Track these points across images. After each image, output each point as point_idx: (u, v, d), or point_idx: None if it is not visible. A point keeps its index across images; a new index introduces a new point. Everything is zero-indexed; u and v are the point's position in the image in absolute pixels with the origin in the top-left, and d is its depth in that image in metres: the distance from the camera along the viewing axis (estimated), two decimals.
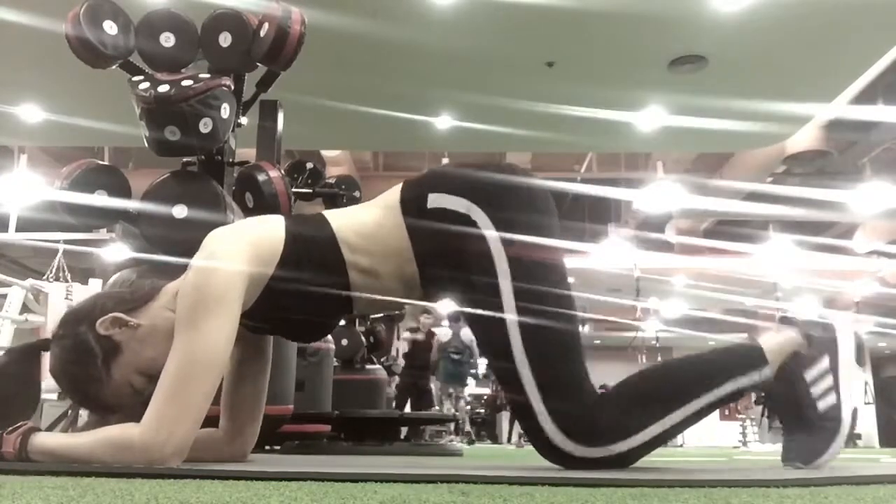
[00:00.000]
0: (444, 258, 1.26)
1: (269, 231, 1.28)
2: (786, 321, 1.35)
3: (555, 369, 1.19)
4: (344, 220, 1.30)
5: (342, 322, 3.16)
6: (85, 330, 1.23)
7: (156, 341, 1.24)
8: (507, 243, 1.21)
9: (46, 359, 1.30)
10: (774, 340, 1.31)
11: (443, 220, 1.23)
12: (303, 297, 1.27)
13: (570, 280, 1.28)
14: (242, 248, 1.23)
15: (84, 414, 1.32)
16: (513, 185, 1.27)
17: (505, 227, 1.22)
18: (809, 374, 1.28)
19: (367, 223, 1.29)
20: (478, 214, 1.23)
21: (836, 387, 1.28)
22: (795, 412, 1.29)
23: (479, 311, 1.22)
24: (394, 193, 1.31)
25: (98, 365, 1.22)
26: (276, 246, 1.25)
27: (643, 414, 1.20)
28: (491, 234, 1.21)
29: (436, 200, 1.24)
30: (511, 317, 1.19)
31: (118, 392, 1.24)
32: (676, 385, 1.25)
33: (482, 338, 1.26)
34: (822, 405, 1.27)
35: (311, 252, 1.27)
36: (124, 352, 1.23)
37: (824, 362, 1.29)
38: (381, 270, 1.28)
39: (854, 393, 1.28)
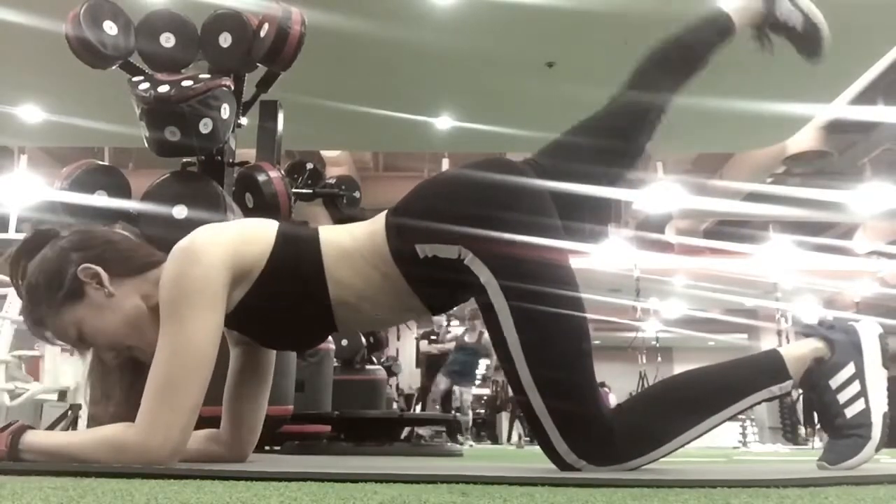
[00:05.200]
0: (447, 291, 1.28)
1: (260, 231, 1.26)
2: (807, 331, 1.32)
3: (566, 395, 1.17)
4: (338, 261, 1.24)
5: None
6: (73, 260, 1.23)
7: (109, 317, 1.23)
8: (501, 279, 1.18)
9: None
10: (796, 350, 1.29)
11: (438, 267, 1.21)
12: (282, 315, 1.26)
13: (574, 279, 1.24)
14: (228, 240, 1.21)
15: (83, 415, 1.31)
16: (502, 217, 1.20)
17: (499, 265, 1.19)
18: (835, 382, 1.26)
19: (364, 270, 1.24)
20: (471, 260, 1.19)
21: (863, 392, 1.25)
22: (825, 420, 1.28)
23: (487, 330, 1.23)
24: (380, 238, 1.24)
25: (57, 296, 1.22)
26: (265, 247, 1.23)
27: (659, 433, 1.19)
28: (486, 277, 1.19)
29: (425, 251, 1.21)
30: (516, 351, 1.17)
31: (60, 331, 1.24)
32: (695, 403, 1.23)
33: (495, 350, 1.25)
34: (849, 412, 1.25)
35: (295, 281, 1.24)
36: (83, 303, 1.22)
37: (850, 368, 1.26)
38: (372, 307, 1.27)
39: (884, 397, 1.26)
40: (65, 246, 1.26)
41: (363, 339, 4.59)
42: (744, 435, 12.84)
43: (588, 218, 1.38)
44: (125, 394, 1.29)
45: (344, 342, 4.37)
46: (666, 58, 1.49)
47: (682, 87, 1.47)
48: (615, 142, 1.42)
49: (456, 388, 8.04)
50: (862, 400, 1.25)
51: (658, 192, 10.13)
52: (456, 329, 8.57)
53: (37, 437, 1.15)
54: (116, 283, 1.24)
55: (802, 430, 9.76)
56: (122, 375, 1.30)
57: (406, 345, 11.40)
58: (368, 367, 4.63)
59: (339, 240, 1.27)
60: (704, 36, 1.50)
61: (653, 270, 10.84)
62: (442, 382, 8.03)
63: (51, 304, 1.23)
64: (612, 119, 1.44)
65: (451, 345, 8.42)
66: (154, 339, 1.17)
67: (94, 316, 1.23)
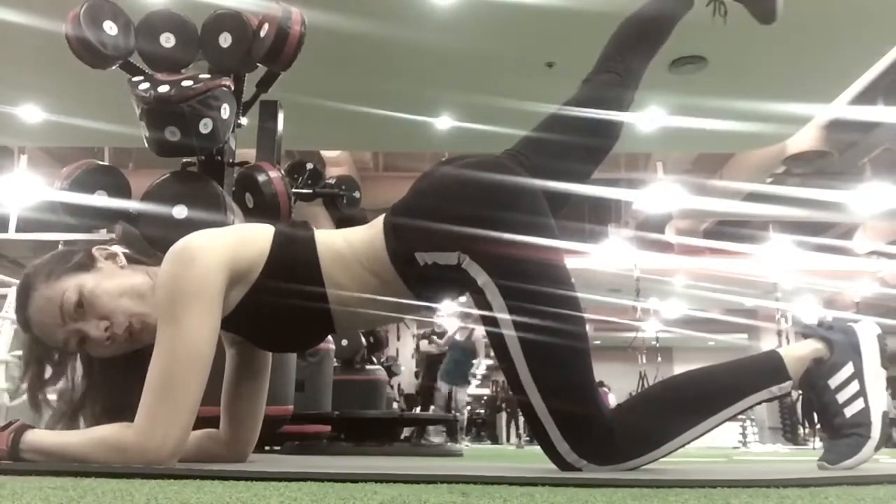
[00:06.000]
0: (444, 292, 1.32)
1: (257, 234, 1.27)
2: (806, 331, 1.33)
3: (565, 394, 1.17)
4: (335, 265, 1.25)
5: None
6: (84, 250, 1.29)
7: (118, 280, 1.26)
8: (498, 279, 1.18)
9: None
10: (796, 351, 1.30)
11: (437, 272, 1.22)
12: (280, 317, 1.26)
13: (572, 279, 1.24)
14: (224, 243, 1.21)
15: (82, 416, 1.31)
16: (497, 217, 1.20)
17: (496, 266, 1.19)
18: (834, 382, 1.27)
19: (361, 276, 1.25)
20: (468, 264, 1.20)
21: (862, 392, 1.26)
22: (824, 420, 1.29)
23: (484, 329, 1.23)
24: (379, 244, 1.25)
25: (62, 267, 1.25)
26: (262, 250, 1.24)
27: (660, 434, 1.20)
28: (484, 279, 1.19)
29: (425, 259, 1.22)
30: (515, 350, 1.17)
31: (55, 294, 1.22)
32: (696, 403, 1.23)
33: (494, 350, 1.25)
34: (849, 411, 1.25)
35: (294, 284, 1.24)
36: (90, 273, 1.25)
37: (848, 368, 1.27)
38: (371, 308, 1.28)
39: (883, 396, 1.26)
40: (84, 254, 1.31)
41: (363, 339, 4.60)
42: (744, 435, 12.86)
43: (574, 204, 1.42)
44: (87, 400, 1.29)
45: (344, 342, 4.37)
46: (633, 36, 1.58)
47: (650, 61, 1.56)
48: (599, 133, 1.54)
49: (451, 388, 8.06)
50: (861, 399, 1.26)
51: (658, 192, 10.14)
52: (447, 324, 8.58)
53: (37, 437, 1.15)
54: (129, 267, 1.31)
55: (802, 430, 9.77)
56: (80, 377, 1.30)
57: (406, 345, 11.40)
58: (368, 367, 4.64)
59: (335, 245, 1.27)
60: (668, 8, 1.61)
61: (653, 270, 10.85)
62: (443, 387, 8.04)
63: (51, 272, 1.24)
64: (594, 108, 1.51)
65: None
66: (155, 322, 1.18)
67: (100, 280, 1.25)
